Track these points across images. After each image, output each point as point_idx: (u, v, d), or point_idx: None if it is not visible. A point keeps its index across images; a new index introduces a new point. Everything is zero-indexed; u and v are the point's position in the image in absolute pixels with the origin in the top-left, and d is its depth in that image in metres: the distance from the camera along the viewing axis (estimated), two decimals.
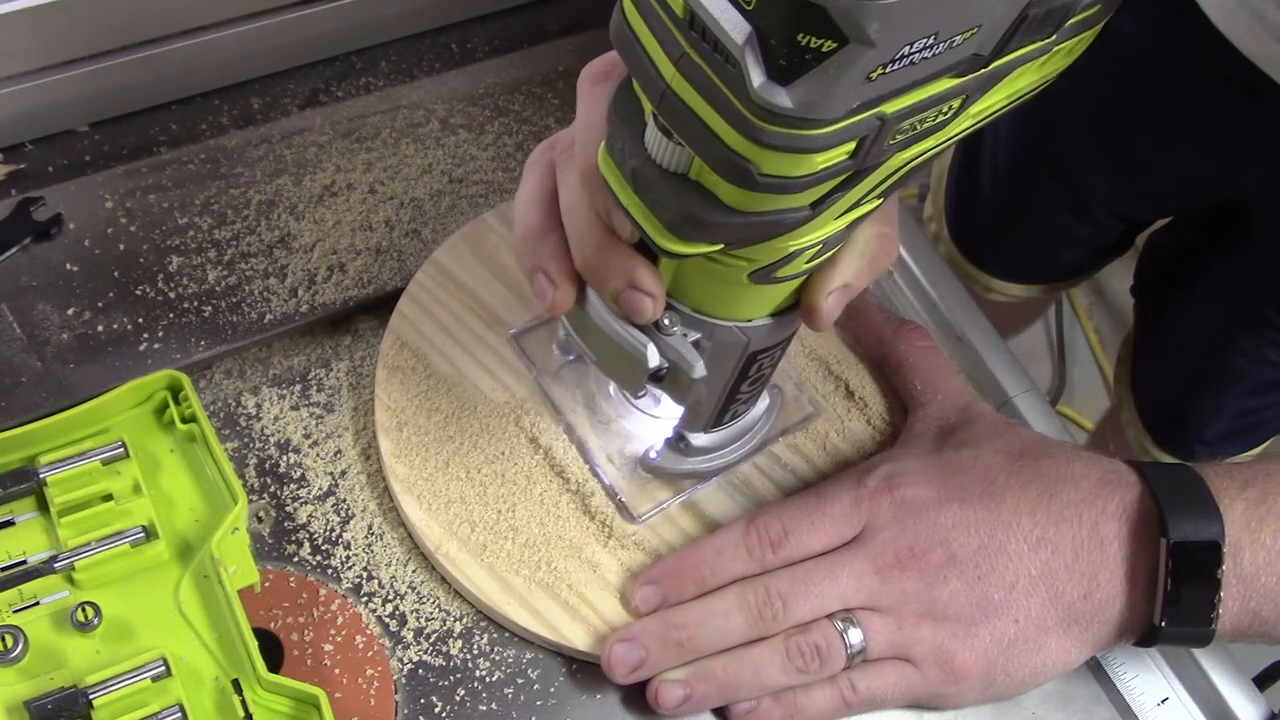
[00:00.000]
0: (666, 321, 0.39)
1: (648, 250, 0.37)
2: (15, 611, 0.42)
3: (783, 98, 0.26)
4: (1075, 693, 0.49)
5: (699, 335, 0.40)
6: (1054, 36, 0.29)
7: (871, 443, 0.53)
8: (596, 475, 0.50)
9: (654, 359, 0.40)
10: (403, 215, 0.58)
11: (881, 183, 0.33)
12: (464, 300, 0.54)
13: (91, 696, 0.39)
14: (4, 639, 0.41)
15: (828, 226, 0.34)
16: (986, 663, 0.44)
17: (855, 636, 0.44)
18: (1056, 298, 1.58)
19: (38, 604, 0.42)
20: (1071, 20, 0.29)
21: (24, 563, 0.43)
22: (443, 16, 0.68)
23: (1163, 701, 0.49)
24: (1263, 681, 0.56)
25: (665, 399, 0.49)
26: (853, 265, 0.38)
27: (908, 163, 0.32)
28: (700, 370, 0.40)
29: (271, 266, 0.56)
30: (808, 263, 0.37)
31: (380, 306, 0.55)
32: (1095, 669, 0.50)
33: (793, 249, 0.35)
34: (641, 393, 0.43)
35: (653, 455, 0.49)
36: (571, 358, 0.52)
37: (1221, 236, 0.78)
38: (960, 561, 0.44)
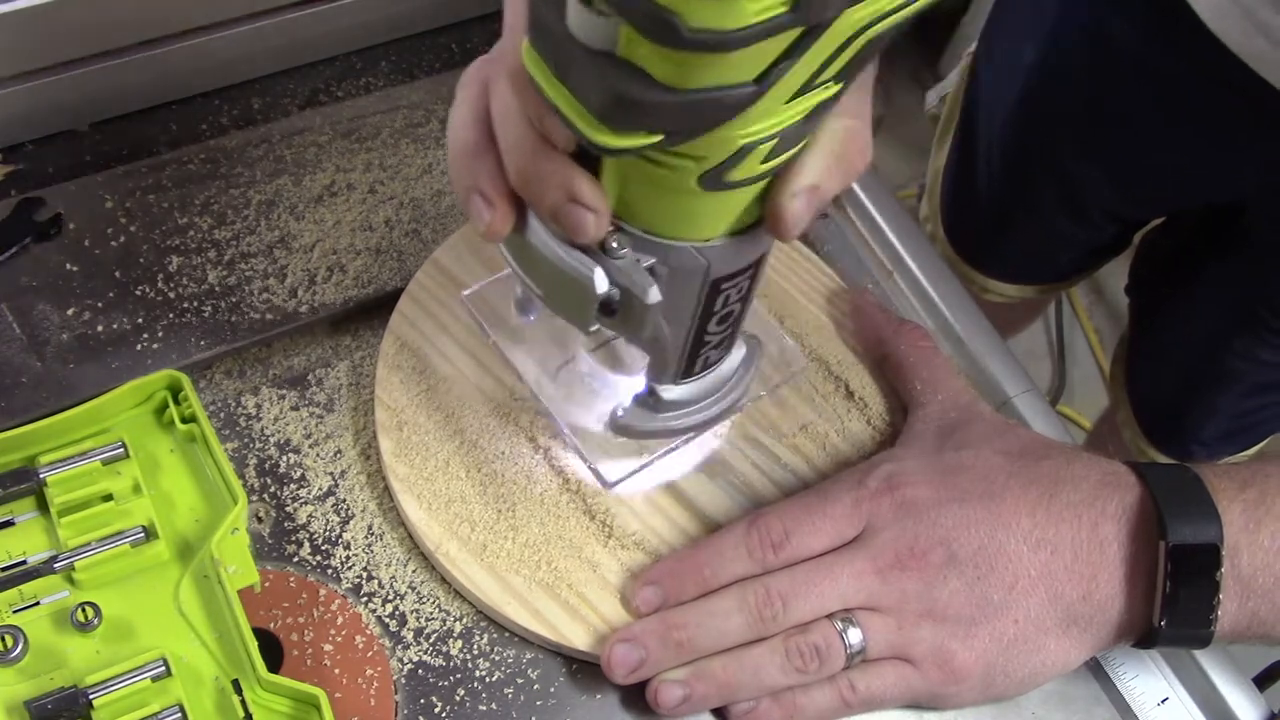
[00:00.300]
0: (615, 244, 0.36)
1: (588, 162, 0.34)
2: (15, 611, 0.42)
3: None
4: (1075, 693, 0.49)
5: (653, 260, 0.37)
6: None
7: (871, 443, 0.53)
8: (564, 440, 0.48)
9: (601, 284, 0.37)
10: (403, 215, 0.58)
11: (834, 56, 0.29)
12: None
13: (91, 696, 0.39)
14: (4, 639, 0.41)
15: (779, 114, 0.31)
16: (986, 663, 0.44)
17: (855, 636, 0.44)
18: (1055, 297, 1.58)
19: (38, 604, 0.42)
20: None
21: (24, 563, 0.43)
22: (443, 16, 0.68)
23: (1163, 701, 0.49)
24: (1263, 681, 0.56)
25: (633, 355, 0.46)
26: (819, 163, 0.35)
27: (862, 30, 0.29)
28: (655, 295, 0.37)
29: (271, 266, 0.56)
30: (763, 162, 0.33)
31: (380, 306, 0.55)
32: (1095, 669, 0.50)
33: (743, 142, 0.31)
34: (593, 328, 0.40)
35: (620, 413, 0.46)
36: (531, 319, 0.49)
37: (1218, 237, 0.77)
38: (960, 562, 0.44)
